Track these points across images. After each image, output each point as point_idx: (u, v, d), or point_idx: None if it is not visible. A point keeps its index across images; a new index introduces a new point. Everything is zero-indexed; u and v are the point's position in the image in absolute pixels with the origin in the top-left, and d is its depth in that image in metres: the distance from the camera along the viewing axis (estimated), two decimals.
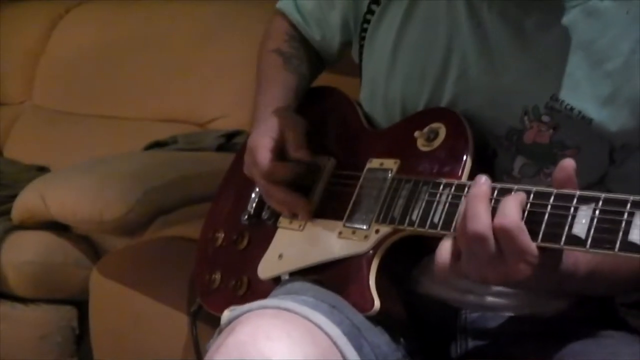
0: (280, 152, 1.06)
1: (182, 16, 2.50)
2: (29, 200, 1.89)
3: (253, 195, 1.14)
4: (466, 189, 0.88)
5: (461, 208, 0.84)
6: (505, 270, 0.80)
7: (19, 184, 2.06)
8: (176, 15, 2.51)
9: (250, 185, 1.12)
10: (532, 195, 0.81)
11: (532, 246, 0.79)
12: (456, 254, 0.83)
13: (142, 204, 1.80)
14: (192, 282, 1.21)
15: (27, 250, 1.89)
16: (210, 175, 1.54)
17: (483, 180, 0.83)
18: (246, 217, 1.14)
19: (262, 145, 1.06)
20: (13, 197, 1.96)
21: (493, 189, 0.84)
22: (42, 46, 2.75)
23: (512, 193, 0.82)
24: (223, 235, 1.17)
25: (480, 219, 0.80)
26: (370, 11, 1.07)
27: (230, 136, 2.15)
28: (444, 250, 0.84)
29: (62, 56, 2.68)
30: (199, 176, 1.90)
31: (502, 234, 0.79)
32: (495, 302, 1.02)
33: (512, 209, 0.79)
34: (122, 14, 2.64)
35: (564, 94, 0.93)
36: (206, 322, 1.16)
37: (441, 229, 0.88)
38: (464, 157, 0.94)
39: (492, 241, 0.79)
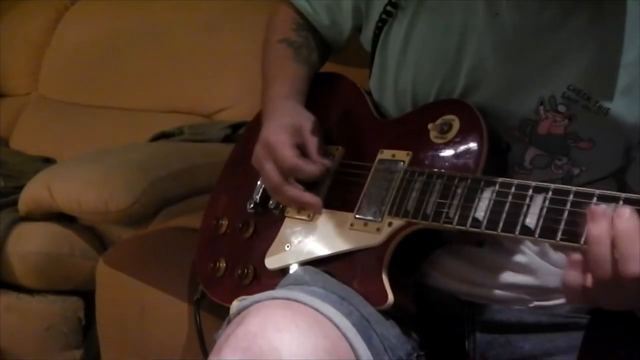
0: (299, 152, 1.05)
1: (187, 7, 2.49)
2: (35, 192, 1.88)
3: (259, 183, 1.12)
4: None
5: (597, 233, 0.76)
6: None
7: (24, 175, 2.05)
8: (181, 6, 2.50)
9: (255, 173, 1.10)
10: (550, 192, 0.81)
11: None
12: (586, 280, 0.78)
13: (148, 194, 1.79)
14: (193, 269, 1.20)
15: (33, 241, 1.89)
16: (216, 166, 1.53)
17: (628, 212, 0.75)
18: (252, 205, 1.12)
19: (282, 142, 1.04)
20: (19, 188, 1.96)
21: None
22: (47, 38, 2.75)
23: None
24: (227, 222, 1.16)
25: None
26: (393, 4, 1.05)
27: (236, 127, 2.14)
28: (575, 277, 0.78)
29: (68, 48, 2.68)
30: (204, 167, 1.89)
31: None
32: (504, 295, 1.01)
33: None
34: (127, 5, 2.63)
35: (582, 84, 0.92)
36: (210, 312, 1.15)
37: (457, 224, 0.87)
38: (479, 151, 0.93)
39: None
